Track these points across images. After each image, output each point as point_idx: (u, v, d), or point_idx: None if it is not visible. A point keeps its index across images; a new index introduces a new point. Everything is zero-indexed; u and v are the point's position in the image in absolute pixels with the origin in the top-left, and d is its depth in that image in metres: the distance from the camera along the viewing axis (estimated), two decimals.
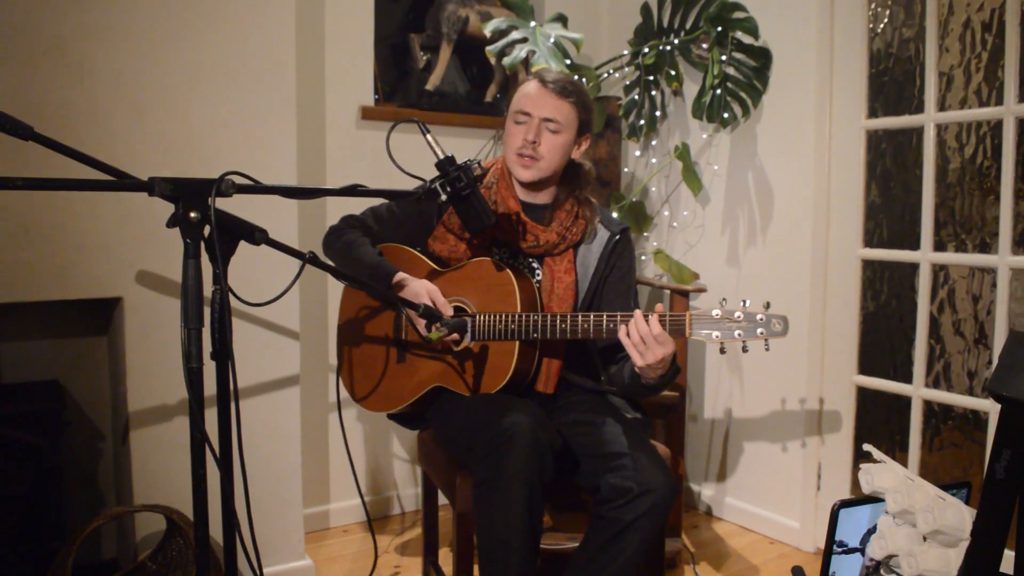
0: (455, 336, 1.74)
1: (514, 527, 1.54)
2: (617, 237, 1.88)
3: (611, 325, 1.64)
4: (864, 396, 2.55)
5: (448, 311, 1.74)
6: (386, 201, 1.95)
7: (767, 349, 1.59)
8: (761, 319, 1.56)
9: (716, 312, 1.58)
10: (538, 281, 1.85)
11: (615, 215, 2.69)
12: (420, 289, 1.74)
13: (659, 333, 1.58)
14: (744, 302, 1.59)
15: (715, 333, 1.58)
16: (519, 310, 1.74)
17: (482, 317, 1.75)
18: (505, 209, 1.84)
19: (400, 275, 1.79)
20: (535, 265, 1.88)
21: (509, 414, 1.58)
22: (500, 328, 1.73)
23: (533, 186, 1.86)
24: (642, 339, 1.59)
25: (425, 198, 1.55)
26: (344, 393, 1.98)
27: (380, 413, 1.97)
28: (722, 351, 1.61)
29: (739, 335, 1.57)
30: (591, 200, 1.91)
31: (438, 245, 1.89)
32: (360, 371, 1.95)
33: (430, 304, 1.69)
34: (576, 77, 2.68)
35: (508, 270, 1.78)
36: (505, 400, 1.68)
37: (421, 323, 1.71)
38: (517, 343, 1.74)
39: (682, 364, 2.61)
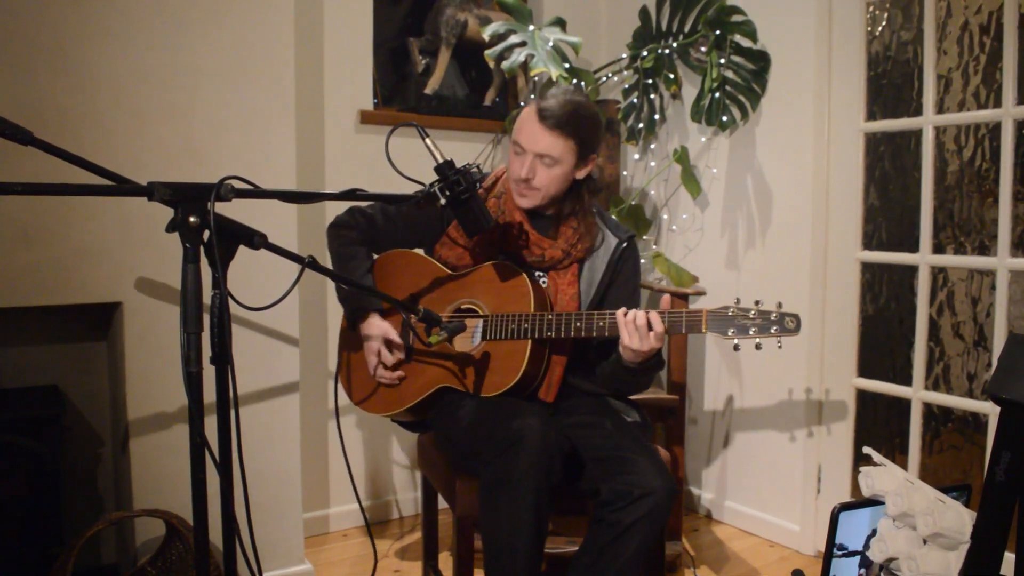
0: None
1: (521, 530, 1.54)
2: (624, 245, 1.88)
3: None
4: (864, 399, 2.55)
5: (401, 355, 1.85)
6: None
7: (780, 347, 1.63)
8: (775, 317, 1.59)
9: (731, 310, 1.61)
10: None
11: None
12: (375, 333, 1.83)
13: (660, 332, 1.62)
14: (757, 302, 1.62)
15: (730, 330, 1.61)
16: (532, 311, 1.74)
17: (495, 318, 1.76)
18: (511, 220, 1.83)
19: (373, 316, 1.86)
20: (539, 274, 1.87)
21: (518, 416, 1.59)
22: (513, 327, 1.73)
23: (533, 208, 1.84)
24: (639, 327, 1.62)
25: (424, 202, 1.55)
26: (344, 400, 1.98)
27: (380, 418, 1.96)
28: (736, 348, 1.63)
29: (753, 332, 1.60)
30: (595, 213, 1.88)
31: (446, 251, 1.89)
32: (360, 374, 1.94)
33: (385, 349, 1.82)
34: (575, 81, 2.67)
35: (523, 273, 1.79)
36: (513, 403, 1.69)
37: (420, 328, 1.71)
38: (529, 344, 1.73)
39: (681, 368, 2.61)
